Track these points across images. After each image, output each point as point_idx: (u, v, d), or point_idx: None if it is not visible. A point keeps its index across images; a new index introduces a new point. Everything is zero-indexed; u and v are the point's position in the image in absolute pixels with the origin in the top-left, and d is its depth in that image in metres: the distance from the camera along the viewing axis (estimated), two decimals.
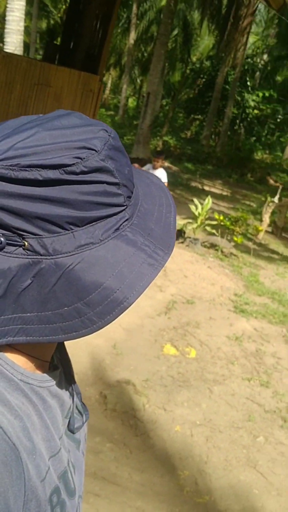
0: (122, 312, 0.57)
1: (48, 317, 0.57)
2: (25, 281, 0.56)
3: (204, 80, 24.71)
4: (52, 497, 0.60)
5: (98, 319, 0.56)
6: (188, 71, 25.04)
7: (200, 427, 3.35)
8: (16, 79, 3.89)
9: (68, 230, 0.56)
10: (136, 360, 4.04)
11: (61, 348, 0.85)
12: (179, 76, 25.42)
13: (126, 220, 0.60)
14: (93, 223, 0.58)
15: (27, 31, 20.08)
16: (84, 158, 0.55)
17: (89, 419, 0.81)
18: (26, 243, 0.56)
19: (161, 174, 7.33)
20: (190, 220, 8.30)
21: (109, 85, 33.46)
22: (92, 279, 0.56)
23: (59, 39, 5.46)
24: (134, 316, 4.77)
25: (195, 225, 8.09)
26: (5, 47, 10.53)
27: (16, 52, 10.05)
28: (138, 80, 32.34)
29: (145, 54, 28.35)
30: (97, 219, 0.58)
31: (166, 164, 17.36)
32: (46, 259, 0.56)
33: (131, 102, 33.57)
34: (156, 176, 0.77)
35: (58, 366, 0.75)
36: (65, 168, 0.54)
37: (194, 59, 26.92)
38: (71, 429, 0.75)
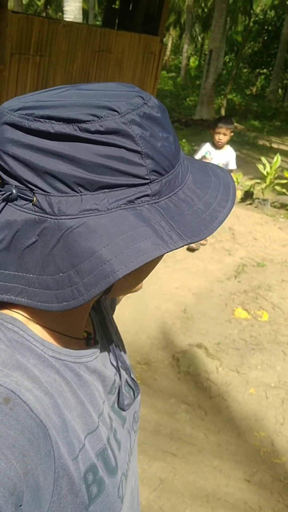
0: (106, 286, 0.52)
1: (47, 282, 0.55)
2: (30, 238, 0.55)
3: (269, 31, 23.51)
4: (87, 475, 0.59)
5: (84, 290, 0.53)
6: (251, 24, 23.86)
7: (275, 389, 3.34)
8: (78, 48, 3.88)
9: (77, 192, 0.54)
10: (207, 324, 4.06)
11: (105, 322, 0.82)
12: (242, 29, 24.34)
13: (146, 196, 0.56)
14: (105, 190, 0.54)
15: None
16: (101, 117, 0.52)
17: (139, 394, 0.79)
18: (34, 199, 0.54)
19: (229, 156, 5.14)
20: (258, 180, 8.06)
21: (169, 46, 32.67)
22: (86, 246, 0.53)
23: (117, 2, 5.36)
24: (203, 280, 4.76)
25: (263, 185, 7.86)
26: (64, 15, 10.51)
27: (75, 20, 10.02)
28: (199, 38, 31.36)
29: (206, 10, 27.34)
30: (110, 186, 0.54)
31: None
32: (51, 218, 0.54)
33: (193, 62, 32.65)
34: (225, 171, 0.70)
35: (98, 341, 0.73)
36: (79, 124, 0.52)
37: (257, 10, 25.63)
38: (121, 407, 0.74)
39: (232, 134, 5.09)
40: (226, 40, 23.79)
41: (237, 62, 20.13)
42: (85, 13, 21.93)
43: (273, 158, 8.23)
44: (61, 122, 0.52)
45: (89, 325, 0.76)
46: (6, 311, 0.60)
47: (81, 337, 0.69)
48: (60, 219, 0.54)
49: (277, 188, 7.85)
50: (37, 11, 27.29)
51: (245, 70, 27.90)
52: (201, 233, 0.57)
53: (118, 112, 0.53)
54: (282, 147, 14.22)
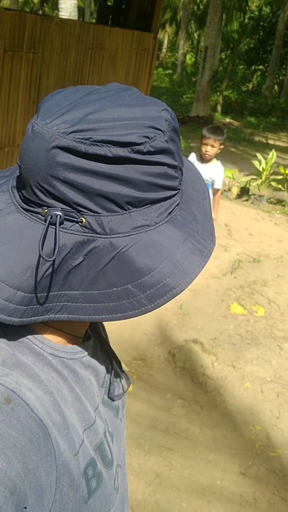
0: (173, 298, 0.56)
1: (94, 296, 0.56)
2: (77, 259, 0.55)
3: (264, 27, 23.50)
4: (87, 470, 0.60)
5: (147, 302, 0.56)
6: (247, 20, 23.87)
7: (271, 384, 3.35)
8: (71, 45, 3.88)
9: (126, 210, 0.55)
10: (203, 320, 4.07)
11: None
12: (238, 26, 24.32)
13: (178, 204, 0.60)
14: (149, 205, 0.57)
15: None
16: (152, 138, 0.54)
17: (130, 385, 0.80)
18: (83, 220, 0.55)
19: (216, 172, 4.35)
20: (254, 177, 8.08)
21: (165, 43, 32.63)
22: (145, 262, 0.55)
23: (112, 0, 5.36)
24: (199, 276, 4.75)
25: (259, 181, 7.88)
26: (60, 13, 10.50)
27: (71, 17, 10.02)
28: (195, 35, 31.33)
29: (201, 7, 27.30)
30: (153, 201, 0.57)
31: (228, 120, 16.88)
32: (101, 237, 0.55)
33: (189, 59, 32.63)
34: (188, 160, 0.71)
35: (91, 335, 0.74)
36: (133, 147, 0.53)
37: (252, 6, 25.61)
38: (111, 397, 0.75)
39: (222, 146, 4.29)
40: (222, 37, 23.76)
41: (233, 59, 20.14)
42: (81, 10, 21.90)
43: (269, 154, 8.25)
44: (118, 146, 0.52)
45: None
46: None
47: (82, 335, 0.69)
48: (112, 238, 0.55)
49: (273, 184, 7.87)
50: (34, 9, 27.23)
51: (241, 67, 27.90)
52: (212, 230, 0.63)
53: (162, 131, 0.55)
54: (278, 143, 14.24)
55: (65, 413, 0.58)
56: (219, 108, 18.22)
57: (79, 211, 0.54)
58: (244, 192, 7.66)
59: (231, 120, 16.94)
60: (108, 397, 0.75)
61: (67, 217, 0.55)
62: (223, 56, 27.55)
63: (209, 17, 15.03)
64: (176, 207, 0.59)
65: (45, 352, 0.60)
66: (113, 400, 0.76)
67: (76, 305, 0.56)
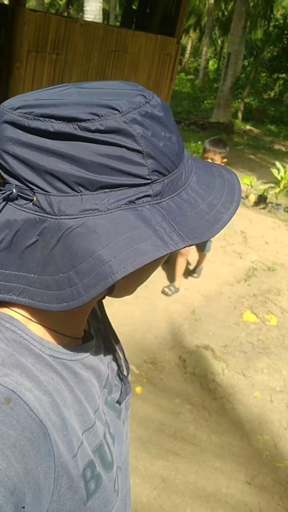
0: (105, 288, 0.52)
1: (48, 282, 0.55)
2: (31, 238, 0.55)
3: None
4: (85, 472, 0.59)
5: (83, 291, 0.53)
6: (271, 28, 23.75)
7: (281, 394, 3.33)
8: (94, 47, 3.91)
9: (77, 192, 0.53)
10: (215, 326, 4.05)
11: (97, 316, 0.82)
12: (262, 34, 24.22)
13: (147, 196, 0.55)
14: (106, 189, 0.54)
15: None
16: (102, 115, 0.52)
17: (131, 390, 0.79)
18: (35, 198, 0.54)
19: None
20: (272, 185, 8.03)
21: (189, 48, 32.63)
22: (85, 246, 0.52)
23: (137, 3, 5.39)
24: (213, 283, 4.76)
25: (277, 190, 7.82)
26: (85, 15, 10.57)
27: (95, 20, 10.08)
28: (219, 41, 31.30)
29: (226, 13, 27.28)
30: (110, 186, 0.54)
31: (248, 127, 16.82)
32: (51, 218, 0.54)
33: (212, 65, 32.58)
34: (231, 171, 0.69)
35: (93, 336, 0.72)
36: (79, 123, 0.51)
37: (277, 14, 25.51)
38: (119, 401, 0.74)
39: (224, 160, 4.01)
40: (246, 44, 23.70)
41: (255, 66, 20.07)
42: (106, 13, 22.02)
43: None
44: (61, 121, 0.52)
45: None
46: (6, 310, 0.60)
47: (80, 336, 0.69)
48: (60, 219, 0.53)
49: None
50: (59, 11, 27.46)
51: (263, 74, 27.77)
52: (203, 235, 0.56)
53: (119, 111, 0.52)
54: None
55: (65, 415, 0.58)
56: (239, 115, 18.16)
57: (31, 189, 0.54)
58: (261, 200, 7.61)
59: (251, 128, 16.87)
60: (117, 402, 0.75)
61: (21, 194, 0.55)
62: (246, 63, 27.46)
63: (233, 24, 15.00)
64: (145, 199, 0.55)
65: (44, 354, 0.59)
66: (119, 404, 0.75)
67: (35, 290, 0.55)
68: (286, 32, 23.58)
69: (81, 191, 0.53)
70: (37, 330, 0.60)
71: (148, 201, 0.55)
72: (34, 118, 0.52)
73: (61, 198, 0.53)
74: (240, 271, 5.15)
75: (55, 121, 0.52)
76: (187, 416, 3.01)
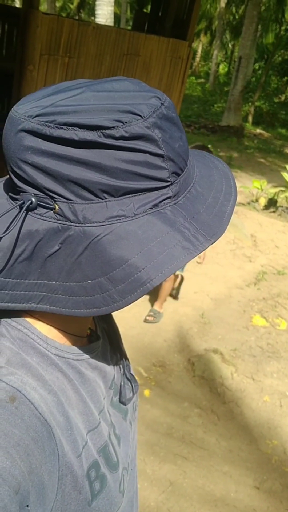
0: (144, 294, 0.52)
1: (72, 289, 0.54)
2: (53, 247, 0.54)
3: None
4: (90, 472, 0.59)
5: (119, 297, 0.53)
6: (282, 32, 23.71)
7: None
8: (106, 51, 3.92)
9: (102, 199, 0.53)
10: (224, 330, 4.04)
11: (106, 317, 0.82)
12: (273, 38, 24.16)
13: (168, 198, 0.56)
14: (130, 195, 0.54)
15: (117, 2, 20.06)
16: (126, 122, 0.51)
17: (138, 390, 0.79)
18: (56, 207, 0.53)
19: None
20: (283, 188, 8.00)
21: (199, 52, 32.63)
22: (117, 254, 0.52)
23: (149, 7, 5.39)
24: (222, 286, 4.74)
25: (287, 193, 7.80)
26: (96, 19, 10.61)
27: (107, 24, 10.11)
28: (230, 45, 31.25)
29: (237, 17, 27.25)
30: (134, 191, 0.54)
31: (259, 130, 16.78)
32: (75, 226, 0.53)
33: (222, 68, 32.54)
34: (222, 161, 0.70)
35: (99, 336, 0.72)
36: (103, 131, 0.51)
37: None
38: (122, 401, 0.74)
39: None
40: (257, 47, 23.66)
41: (266, 70, 20.02)
42: (117, 17, 22.10)
43: None
44: (85, 129, 0.51)
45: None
46: None
47: (85, 335, 0.69)
48: (86, 226, 0.53)
49: None
50: (70, 15, 27.60)
51: (274, 78, 27.71)
52: (217, 231, 0.57)
53: (141, 116, 0.52)
54: None
55: (69, 414, 0.58)
56: (250, 118, 18.13)
57: (52, 197, 0.53)
58: (271, 203, 7.59)
59: (261, 131, 16.83)
60: (120, 401, 0.74)
61: (40, 203, 0.54)
62: (257, 67, 27.41)
63: (244, 27, 14.98)
64: (167, 201, 0.56)
65: (50, 353, 0.59)
66: (124, 404, 0.75)
67: (56, 296, 0.55)
68: None
69: (106, 198, 0.53)
70: (44, 329, 0.60)
71: (168, 203, 0.56)
72: (56, 127, 0.51)
73: (85, 206, 0.53)
74: (250, 274, 5.14)
75: (79, 130, 0.51)
76: (196, 420, 3.00)
